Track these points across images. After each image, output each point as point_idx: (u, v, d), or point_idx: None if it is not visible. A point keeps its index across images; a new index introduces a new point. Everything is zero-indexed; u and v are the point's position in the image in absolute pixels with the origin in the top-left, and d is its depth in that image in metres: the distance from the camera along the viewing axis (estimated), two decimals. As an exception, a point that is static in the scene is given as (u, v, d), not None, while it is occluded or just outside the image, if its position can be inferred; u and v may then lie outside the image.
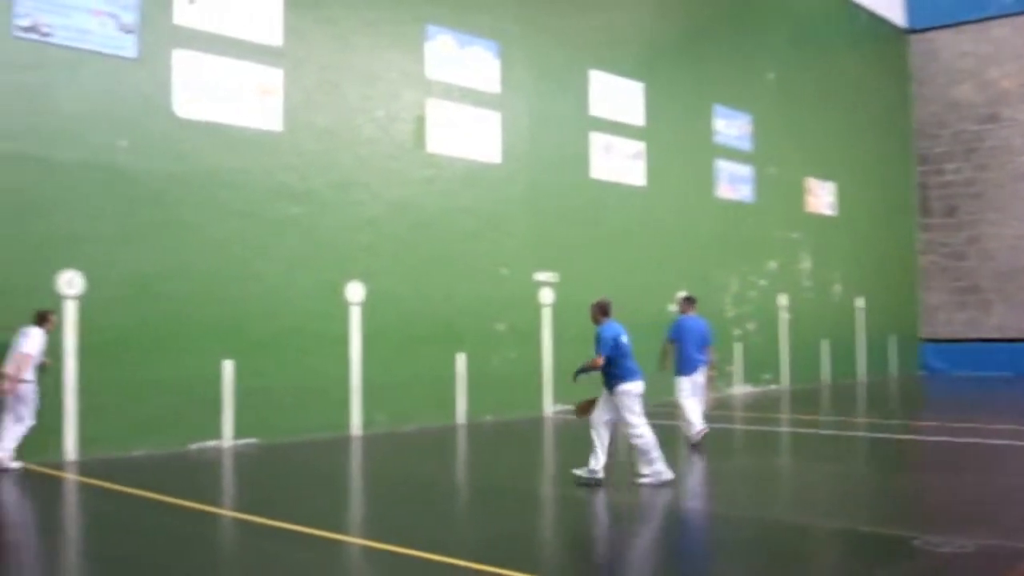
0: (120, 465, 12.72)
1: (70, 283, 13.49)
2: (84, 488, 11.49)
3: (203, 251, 14.85)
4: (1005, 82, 31.74)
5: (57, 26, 13.66)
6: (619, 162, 21.94)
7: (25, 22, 13.38)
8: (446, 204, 18.17)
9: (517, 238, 19.42)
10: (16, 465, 12.17)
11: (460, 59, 18.65)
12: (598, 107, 21.55)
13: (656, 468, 10.89)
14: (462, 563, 7.28)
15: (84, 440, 13.36)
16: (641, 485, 10.74)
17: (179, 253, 14.56)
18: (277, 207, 15.78)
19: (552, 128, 20.43)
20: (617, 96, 22.02)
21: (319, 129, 16.42)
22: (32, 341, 12.24)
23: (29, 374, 12.20)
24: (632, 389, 10.99)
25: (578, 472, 10.97)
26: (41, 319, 12.53)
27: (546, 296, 19.82)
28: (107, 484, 11.25)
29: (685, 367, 14.55)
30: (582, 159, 21.11)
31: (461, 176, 18.49)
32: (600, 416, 11.12)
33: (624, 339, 11.21)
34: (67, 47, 13.74)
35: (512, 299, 19.20)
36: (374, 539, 8.43)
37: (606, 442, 10.98)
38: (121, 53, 14.23)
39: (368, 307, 16.66)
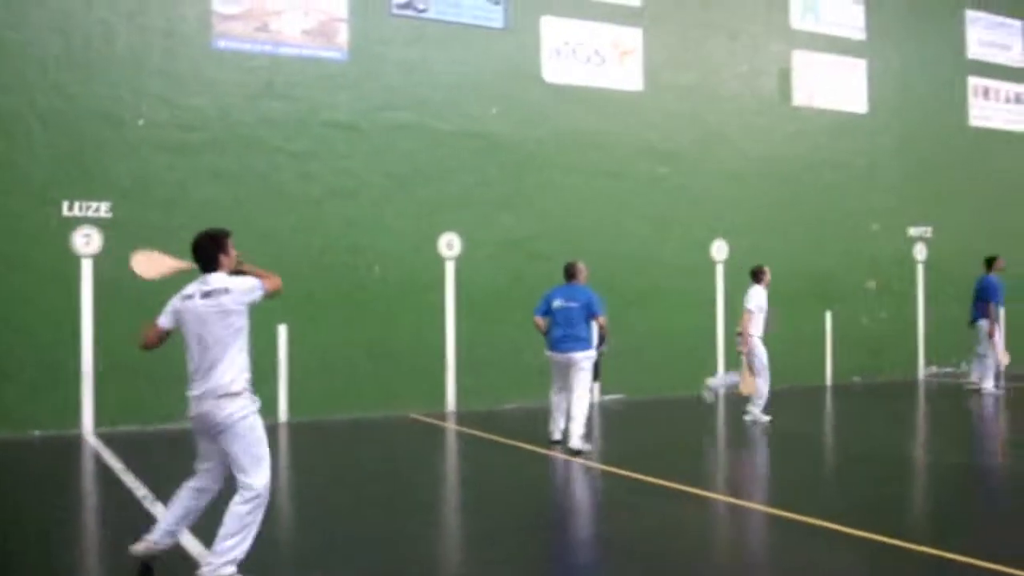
0: (491, 417, 13.41)
1: (449, 245, 14.25)
2: (461, 435, 12.16)
3: (574, 211, 15.24)
4: None
5: (431, 2, 14.36)
6: (999, 107, 20.44)
7: (402, 0, 14.18)
8: (812, 158, 17.62)
9: (888, 192, 18.52)
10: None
11: (825, 7, 17.96)
12: (975, 49, 20.13)
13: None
14: (843, 528, 7.07)
15: (461, 393, 14.17)
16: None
17: (551, 214, 15.02)
18: (643, 166, 15.91)
19: (924, 74, 19.28)
20: (996, 36, 20.48)
21: (681, 87, 16.36)
22: (755, 297, 12.86)
23: (756, 329, 12.83)
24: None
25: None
26: (757, 275, 13.02)
27: (920, 252, 18.83)
28: (476, 431, 11.87)
29: None
30: (959, 105, 19.81)
31: (828, 129, 17.85)
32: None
33: (556, 303, 10.78)
34: (441, 21, 14.44)
35: (883, 255, 18.38)
36: (781, 508, 8.35)
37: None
38: (490, 24, 14.79)
39: (732, 265, 16.47)
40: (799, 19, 17.63)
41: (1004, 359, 16.09)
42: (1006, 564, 5.90)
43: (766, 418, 12.76)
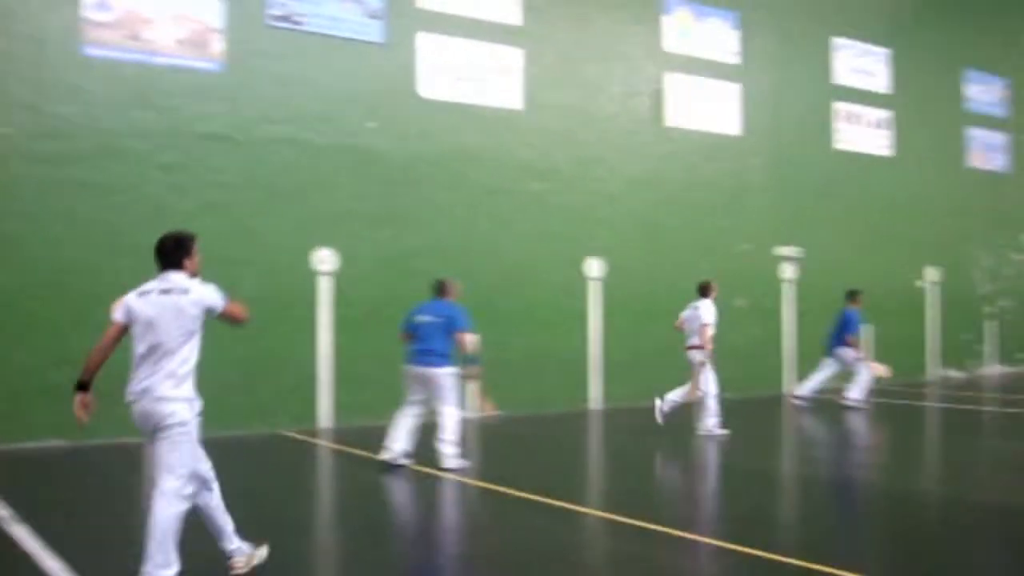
0: (371, 433, 13.25)
1: (323, 260, 14.14)
2: (336, 454, 12.03)
3: (451, 228, 15.28)
4: None
5: (308, 14, 14.27)
6: (864, 131, 21.18)
7: (278, 11, 14.05)
8: (685, 178, 18.01)
9: (758, 212, 19.04)
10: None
11: (698, 31, 18.39)
12: (841, 75, 20.84)
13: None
14: (703, 539, 7.23)
15: (339, 408, 14.03)
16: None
17: (428, 230, 15.04)
18: (521, 184, 16.06)
19: (794, 98, 19.90)
20: (861, 63, 21.23)
21: (559, 107, 16.57)
22: (710, 311, 13.34)
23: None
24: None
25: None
26: (705, 290, 13.61)
27: (787, 271, 19.37)
28: (353, 450, 11.75)
29: None
30: (825, 129, 20.49)
31: (700, 150, 18.27)
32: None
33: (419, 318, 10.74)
34: (318, 34, 14.37)
35: (753, 274, 18.85)
36: (614, 512, 8.46)
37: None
38: (368, 38, 14.76)
39: (607, 282, 16.72)
40: (674, 42, 18.01)
41: (884, 372, 16.76)
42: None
43: (720, 431, 13.19)
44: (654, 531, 7.67)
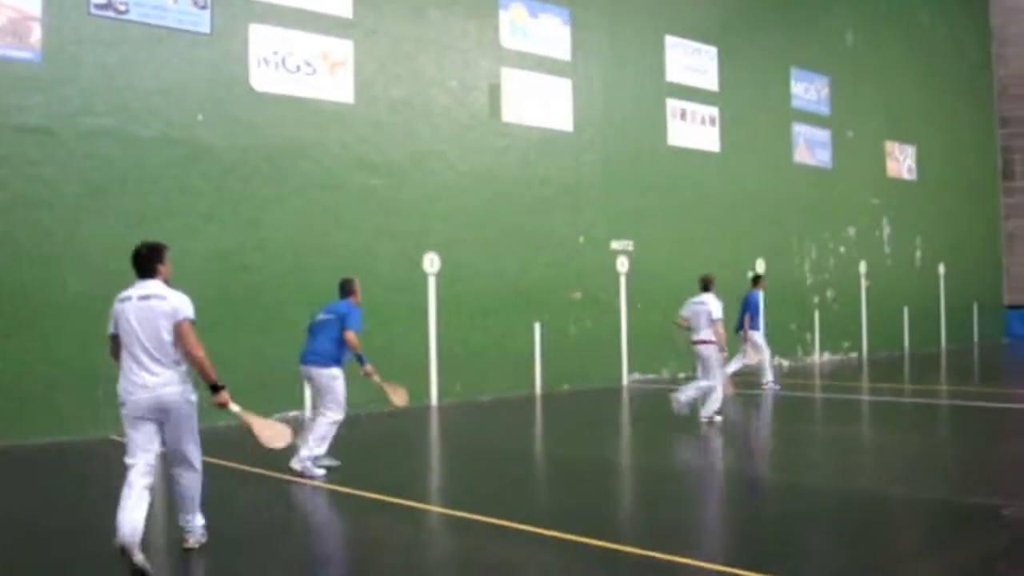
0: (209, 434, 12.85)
1: (150, 258, 13.62)
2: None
3: (283, 223, 14.94)
4: (1092, 39, 30.76)
5: (132, 3, 13.76)
6: (695, 128, 21.66)
7: (101, 0, 13.51)
8: (521, 173, 18.08)
9: (593, 206, 19.27)
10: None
11: (533, 27, 18.49)
12: (673, 72, 21.26)
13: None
14: (539, 531, 7.24)
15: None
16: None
17: (259, 226, 14.67)
18: (355, 179, 15.83)
19: (626, 95, 20.20)
20: (692, 61, 21.71)
21: (393, 100, 16.40)
22: (718, 304, 13.52)
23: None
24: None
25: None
26: (709, 284, 13.82)
27: (622, 264, 19.66)
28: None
29: None
30: (658, 125, 20.87)
31: (536, 145, 18.37)
32: None
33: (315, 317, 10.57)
34: (143, 23, 13.84)
35: (589, 268, 19.08)
36: (452, 507, 8.41)
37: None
38: (196, 29, 14.31)
39: (444, 277, 16.66)
40: (508, 37, 18.05)
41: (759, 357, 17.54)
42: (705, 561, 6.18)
43: (719, 417, 13.55)
44: (493, 525, 7.64)
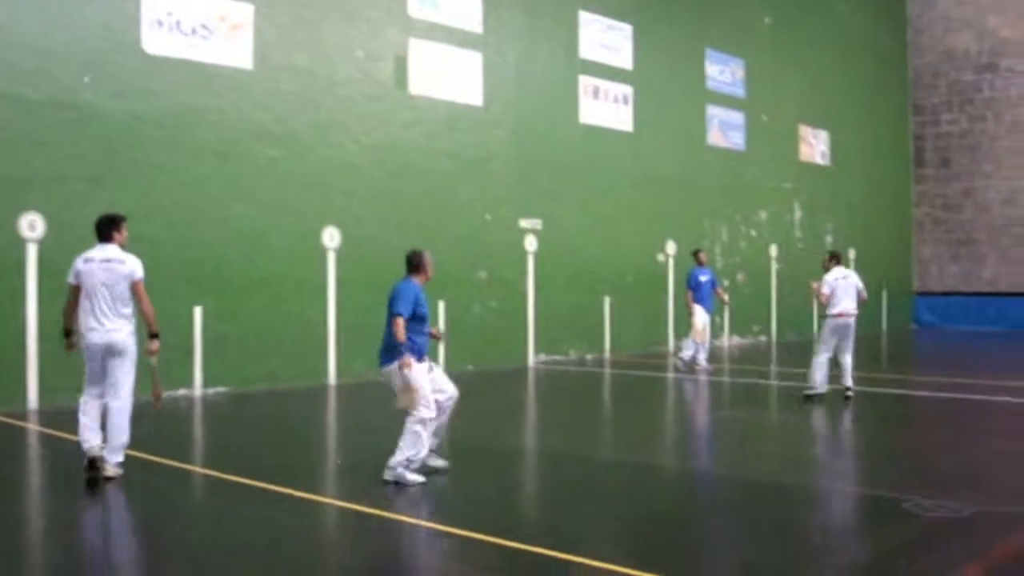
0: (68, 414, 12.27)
1: (32, 226, 12.97)
2: (43, 438, 11.06)
3: (177, 192, 14.32)
4: (1004, 31, 31.08)
5: (19, -44, 13.04)
6: (608, 106, 21.38)
7: (-15, -49, 12.77)
8: (428, 147, 17.63)
9: (501, 183, 18.89)
10: None
11: (444, -3, 18.02)
12: (587, 49, 20.93)
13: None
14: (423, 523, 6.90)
15: (45, 389, 12.87)
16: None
17: (150, 194, 14.02)
18: (253, 148, 15.25)
19: (538, 71, 19.84)
20: (606, 38, 21.40)
21: (295, 68, 15.83)
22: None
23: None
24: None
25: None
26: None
27: (530, 243, 19.33)
28: (62, 433, 10.79)
29: None
30: (570, 103, 20.54)
31: (444, 119, 17.92)
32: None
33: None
34: (31, -22, 13.13)
35: (495, 246, 18.71)
36: (330, 495, 8.03)
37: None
38: (87, -15, 13.61)
39: (345, 252, 16.17)
40: (417, 7, 17.55)
41: (700, 336, 17.84)
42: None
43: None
44: (380, 517, 7.29)
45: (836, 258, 14.42)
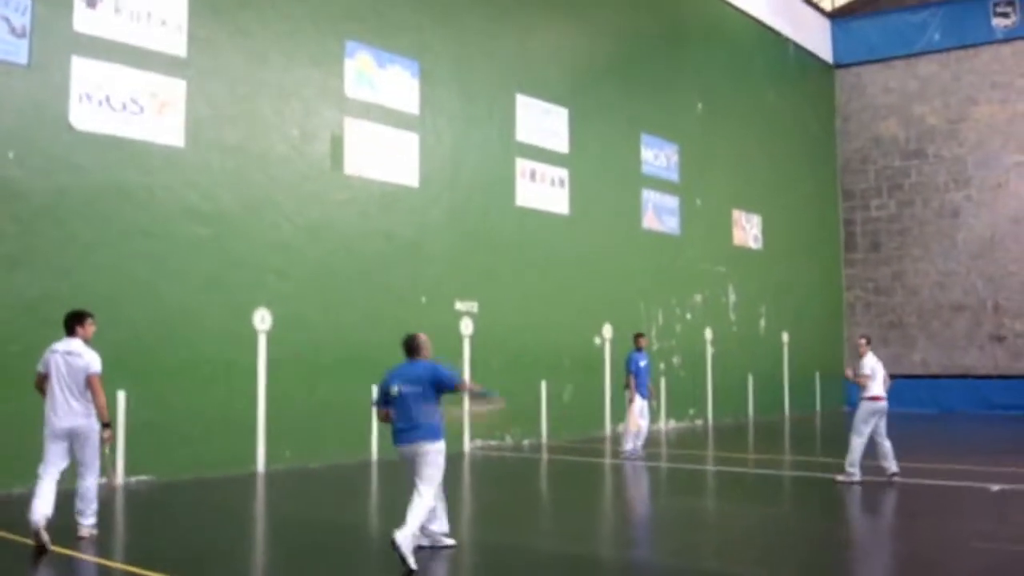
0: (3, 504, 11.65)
1: (-53, 305, 12.39)
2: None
3: (99, 272, 13.79)
4: (931, 118, 31.82)
5: (-60, 28, 12.65)
6: (544, 189, 21.29)
7: (-96, 22, 12.36)
8: (363, 228, 17.32)
9: (437, 265, 18.61)
10: None
11: (380, 78, 17.86)
12: (524, 132, 20.88)
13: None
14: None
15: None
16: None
17: (72, 274, 13.49)
18: (182, 227, 14.81)
19: (474, 152, 19.71)
20: (543, 121, 21.39)
21: (227, 146, 15.49)
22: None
23: None
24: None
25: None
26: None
27: (466, 326, 19.01)
28: None
29: None
30: (507, 185, 20.41)
31: (379, 199, 17.65)
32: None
33: (395, 389, 9.09)
34: (-48, 51, 12.72)
35: (431, 328, 18.04)
36: None
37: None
38: (12, 59, 13.20)
39: (277, 335, 15.72)
40: (354, 87, 17.37)
41: (635, 425, 17.41)
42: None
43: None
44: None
45: (869, 341, 14.75)
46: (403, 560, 8.07)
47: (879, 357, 14.56)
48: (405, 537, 8.18)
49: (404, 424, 8.94)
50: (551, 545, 10.06)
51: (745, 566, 8.82)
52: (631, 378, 17.47)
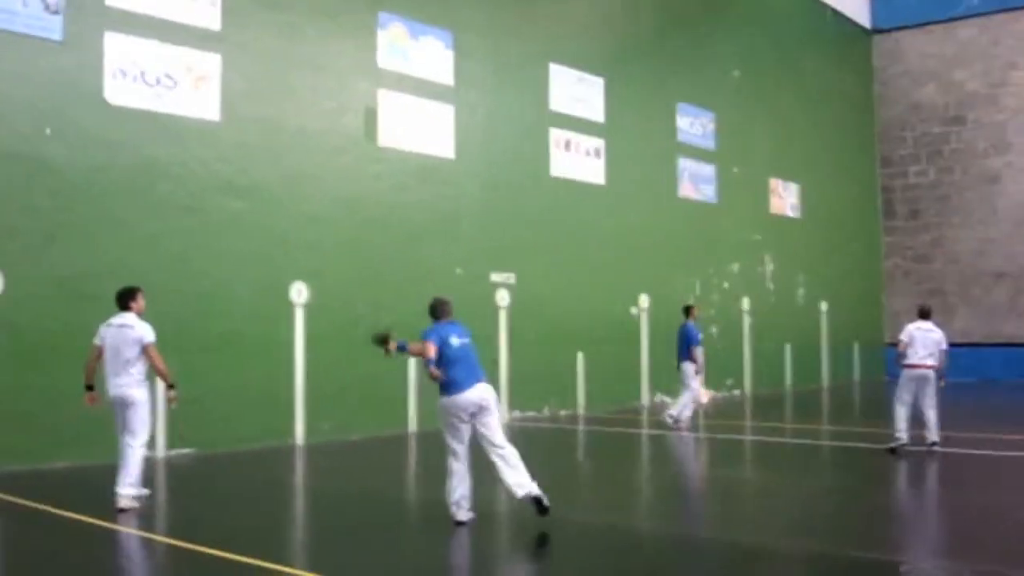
0: (36, 478, 11.74)
1: (-16, 279, 12.50)
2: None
3: (137, 248, 13.86)
4: (970, 84, 31.31)
5: (-25, 6, 12.68)
6: (579, 159, 21.16)
7: (-61, 0, 12.41)
8: (397, 200, 17.29)
9: (472, 237, 18.55)
10: None
11: (413, 49, 17.78)
12: (558, 102, 20.74)
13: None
14: None
15: None
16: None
17: (110, 250, 13.57)
18: (218, 202, 14.85)
19: (509, 123, 19.59)
20: (577, 91, 21.23)
21: (262, 120, 15.49)
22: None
23: None
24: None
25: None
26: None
27: (502, 298, 18.98)
28: (16, 499, 10.28)
29: None
30: (541, 156, 20.29)
31: (413, 171, 17.60)
32: None
33: (455, 340, 9.35)
34: (-13, 27, 12.75)
35: (466, 300, 18.13)
36: (296, 566, 7.58)
37: None
38: (46, 35, 13.24)
39: (313, 308, 15.75)
40: (386, 59, 17.30)
41: (703, 398, 17.83)
42: None
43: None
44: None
45: (923, 312, 14.44)
46: (539, 503, 8.95)
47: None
48: (531, 485, 9.05)
49: (466, 373, 9.24)
50: (592, 517, 10.03)
51: (782, 538, 8.74)
52: (697, 350, 17.50)
